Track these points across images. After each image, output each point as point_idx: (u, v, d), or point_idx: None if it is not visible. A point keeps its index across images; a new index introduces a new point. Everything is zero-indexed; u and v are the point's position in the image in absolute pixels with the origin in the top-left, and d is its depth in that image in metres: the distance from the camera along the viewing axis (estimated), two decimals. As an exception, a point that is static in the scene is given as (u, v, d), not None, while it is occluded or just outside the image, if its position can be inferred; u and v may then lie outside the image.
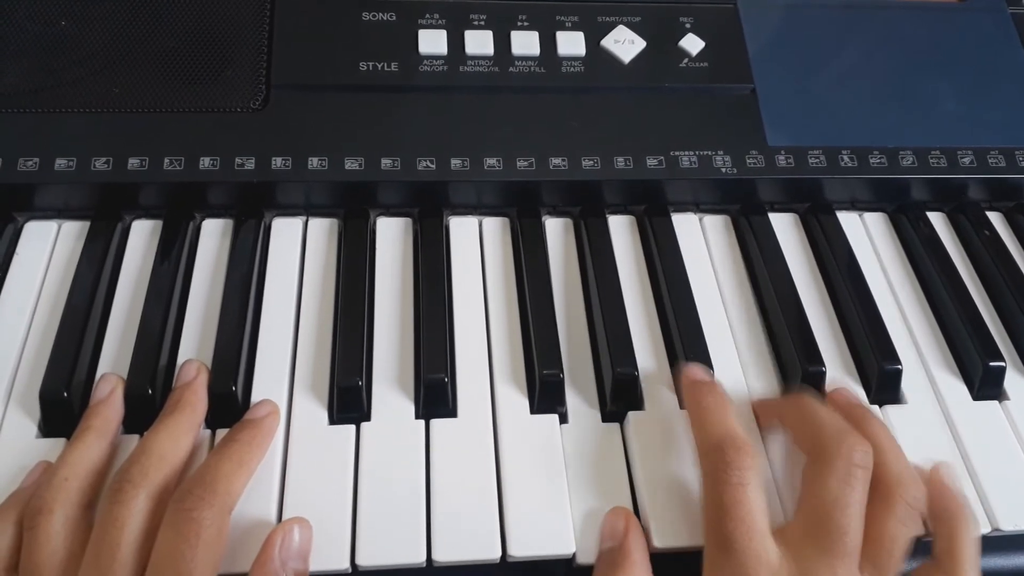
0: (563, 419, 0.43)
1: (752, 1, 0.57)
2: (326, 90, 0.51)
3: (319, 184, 0.48)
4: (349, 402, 0.42)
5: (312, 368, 0.44)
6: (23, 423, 0.41)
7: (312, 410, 0.42)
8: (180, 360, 0.43)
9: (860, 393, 0.46)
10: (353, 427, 0.42)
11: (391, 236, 0.50)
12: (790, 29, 0.57)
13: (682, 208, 0.53)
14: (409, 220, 0.51)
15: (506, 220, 0.52)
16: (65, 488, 0.36)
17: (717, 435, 0.38)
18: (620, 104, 0.52)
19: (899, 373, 0.45)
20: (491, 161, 0.49)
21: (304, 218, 0.50)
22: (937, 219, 0.55)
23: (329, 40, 0.52)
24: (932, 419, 0.45)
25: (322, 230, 0.50)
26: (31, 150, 0.47)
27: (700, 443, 0.39)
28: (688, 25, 0.55)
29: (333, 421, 0.42)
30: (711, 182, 0.51)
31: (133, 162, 0.47)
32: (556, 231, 0.52)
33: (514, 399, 0.43)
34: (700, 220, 0.53)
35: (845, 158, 0.52)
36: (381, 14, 0.53)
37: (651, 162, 0.50)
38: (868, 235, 0.54)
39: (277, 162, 0.48)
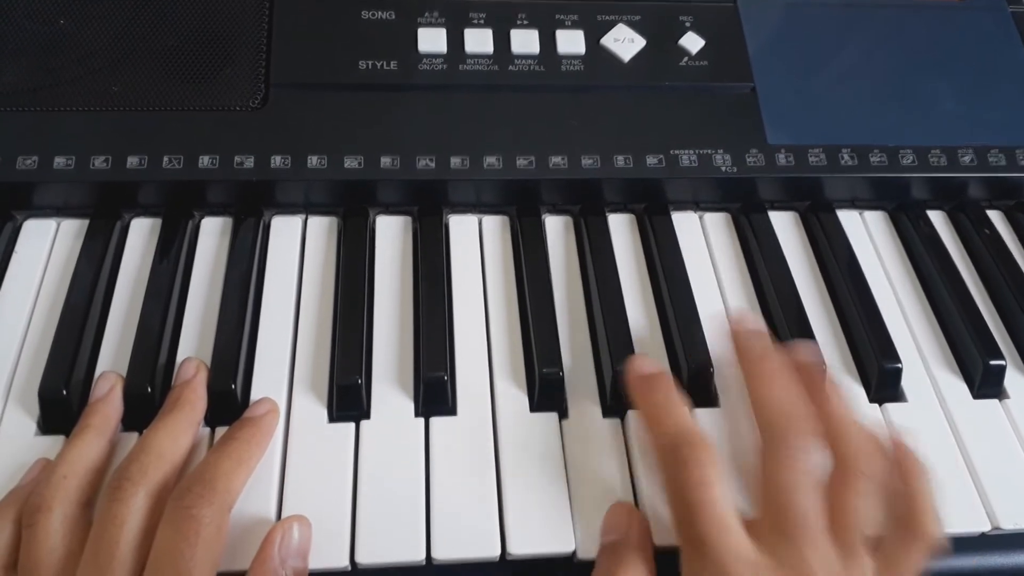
0: (563, 417, 0.43)
1: (752, -1, 0.57)
2: (325, 89, 0.51)
3: (318, 183, 0.48)
4: (348, 400, 0.42)
5: (311, 366, 0.44)
6: (22, 421, 0.41)
7: (311, 408, 0.42)
8: (179, 358, 0.43)
9: (859, 392, 0.46)
10: (352, 425, 0.41)
11: (391, 234, 0.50)
12: (790, 27, 0.57)
13: (682, 207, 0.53)
14: (409, 218, 0.51)
15: (506, 218, 0.52)
16: (64, 486, 0.36)
17: (671, 434, 0.37)
18: (620, 103, 0.52)
19: (899, 371, 0.45)
20: (491, 159, 0.49)
21: (303, 216, 0.50)
22: (937, 218, 0.55)
23: (328, 38, 0.52)
24: (932, 417, 0.45)
25: (321, 228, 0.50)
26: (30, 148, 0.47)
27: (654, 443, 0.38)
28: (688, 24, 0.55)
29: (333, 419, 0.42)
30: (711, 181, 0.51)
31: (132, 160, 0.47)
32: (556, 229, 0.52)
33: (514, 397, 0.43)
34: (700, 218, 0.53)
35: (845, 156, 0.52)
36: (380, 12, 0.53)
37: (651, 161, 0.50)
38: (868, 233, 0.54)
39: (276, 161, 0.48)
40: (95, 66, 0.50)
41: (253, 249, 0.48)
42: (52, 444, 0.40)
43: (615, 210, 0.53)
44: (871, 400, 0.45)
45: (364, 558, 0.37)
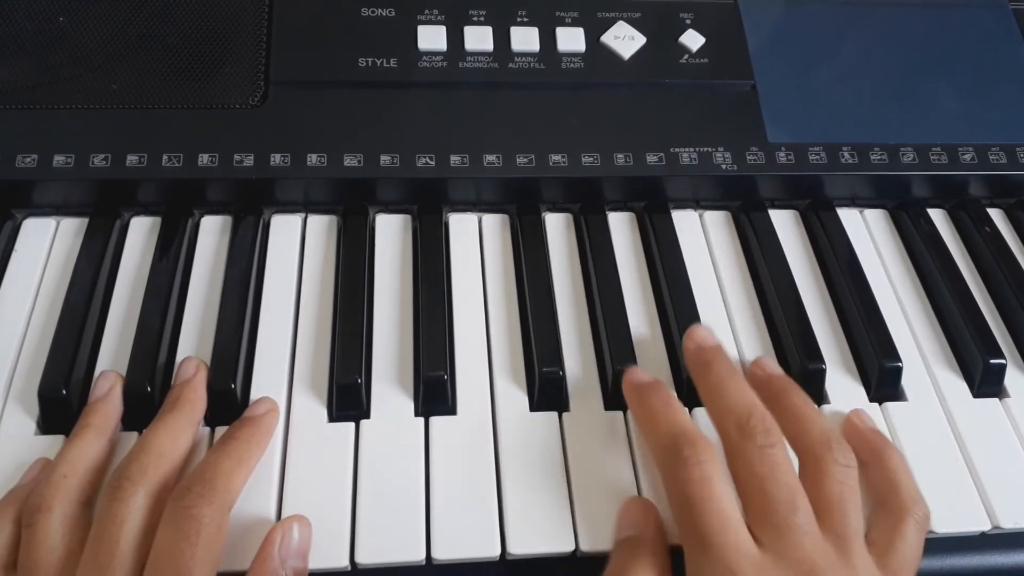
0: (563, 416, 0.43)
1: (752, -3, 0.57)
2: (325, 86, 0.50)
3: (318, 181, 0.48)
4: (348, 400, 0.42)
5: (311, 365, 0.44)
6: (22, 420, 0.41)
7: (311, 407, 0.42)
8: (179, 357, 0.43)
9: (859, 391, 0.45)
10: (352, 425, 0.41)
11: (390, 233, 0.50)
12: (790, 25, 0.56)
13: (682, 205, 0.53)
14: (408, 217, 0.51)
15: (506, 217, 0.52)
16: (64, 485, 0.36)
17: (670, 434, 0.37)
18: (620, 100, 0.52)
19: (899, 370, 0.45)
20: (491, 158, 0.49)
21: (303, 215, 0.50)
22: (938, 216, 0.55)
23: (328, 36, 0.52)
24: (932, 416, 0.45)
25: (321, 227, 0.50)
26: (29, 147, 0.47)
27: (653, 445, 0.38)
28: (688, 21, 0.55)
29: (332, 419, 0.42)
30: (711, 179, 0.51)
31: (132, 159, 0.47)
32: (556, 228, 0.51)
33: (514, 396, 0.43)
34: (700, 217, 0.53)
35: (846, 154, 0.52)
36: (380, 10, 0.53)
37: (651, 159, 0.50)
38: (868, 232, 0.54)
39: (276, 159, 0.48)
40: (94, 64, 0.50)
41: (253, 247, 0.47)
42: (52, 443, 0.40)
43: (615, 208, 0.53)
44: (871, 399, 0.45)
45: (364, 558, 0.37)
